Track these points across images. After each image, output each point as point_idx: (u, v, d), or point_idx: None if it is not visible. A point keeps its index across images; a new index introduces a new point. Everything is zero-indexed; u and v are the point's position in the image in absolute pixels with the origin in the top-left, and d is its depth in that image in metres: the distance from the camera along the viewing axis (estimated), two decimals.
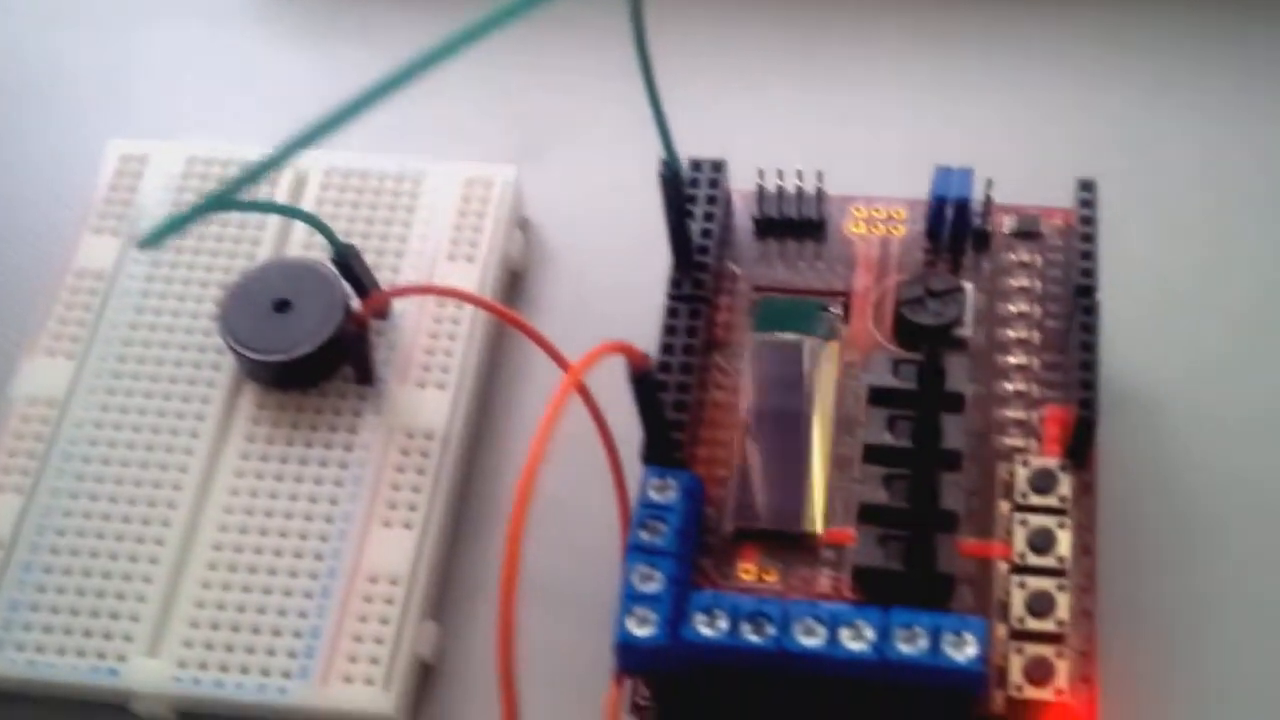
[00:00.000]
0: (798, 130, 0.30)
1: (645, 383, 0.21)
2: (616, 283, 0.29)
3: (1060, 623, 0.21)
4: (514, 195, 0.29)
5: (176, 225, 0.20)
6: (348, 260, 0.26)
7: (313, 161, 0.30)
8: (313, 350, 0.26)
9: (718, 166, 0.26)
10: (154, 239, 0.21)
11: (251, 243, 0.29)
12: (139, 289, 0.28)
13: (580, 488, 0.26)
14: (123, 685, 0.24)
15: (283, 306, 0.27)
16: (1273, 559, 0.25)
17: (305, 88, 0.32)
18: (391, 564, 0.25)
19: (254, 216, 0.29)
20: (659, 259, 0.28)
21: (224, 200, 0.19)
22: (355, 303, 0.27)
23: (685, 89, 0.31)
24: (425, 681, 0.25)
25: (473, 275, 0.28)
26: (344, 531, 0.25)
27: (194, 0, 0.34)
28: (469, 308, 0.28)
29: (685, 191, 0.23)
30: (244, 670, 0.24)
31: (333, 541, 0.25)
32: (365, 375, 0.27)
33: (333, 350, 0.26)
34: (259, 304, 0.27)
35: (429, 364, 0.27)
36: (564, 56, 0.32)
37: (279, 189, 0.29)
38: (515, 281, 0.30)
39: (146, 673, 0.24)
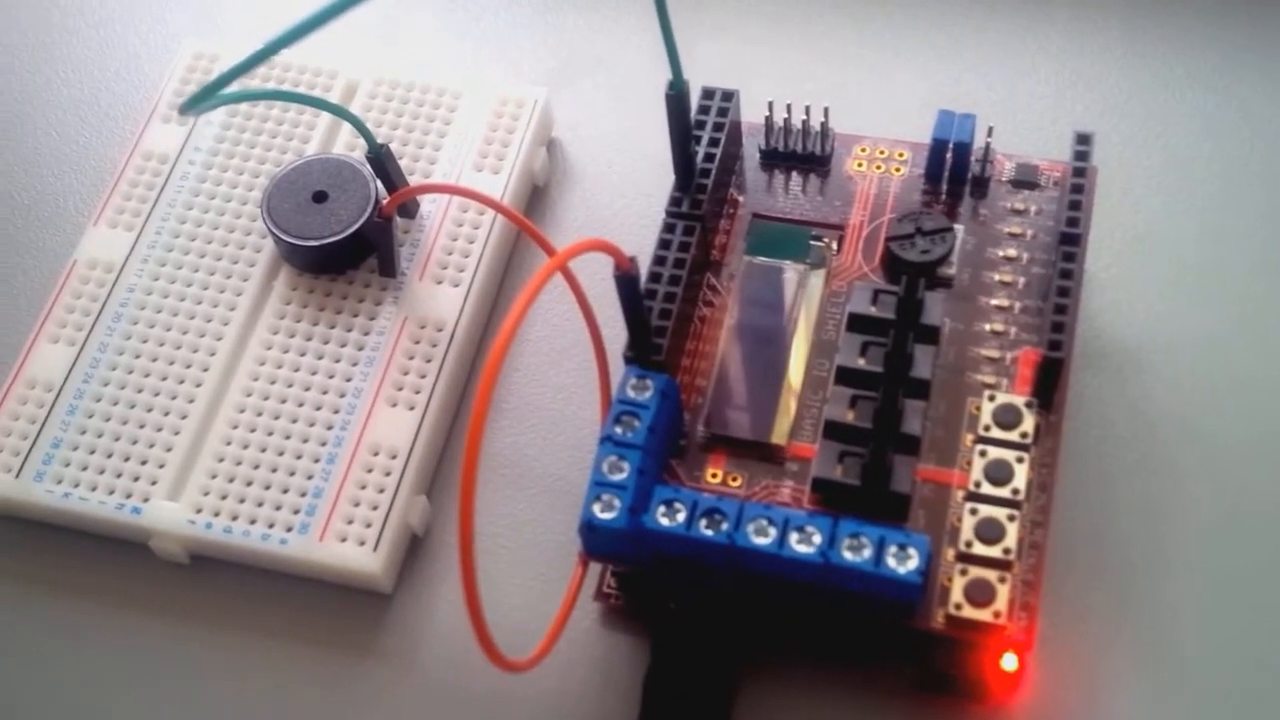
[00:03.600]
0: (812, 68, 0.29)
1: (627, 282, 0.20)
2: (630, 203, 0.28)
3: (1007, 551, 0.20)
4: (543, 115, 0.28)
5: (208, 93, 0.20)
6: (381, 159, 0.25)
7: (365, 70, 0.29)
8: (342, 238, 0.25)
9: (728, 96, 0.24)
10: (192, 104, 0.20)
11: (301, 140, 0.28)
12: (196, 174, 0.28)
13: (571, 384, 0.26)
14: (144, 523, 0.23)
15: (320, 198, 0.26)
16: (1228, 519, 0.23)
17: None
18: (392, 440, 0.24)
19: (305, 116, 0.28)
20: (670, 184, 0.27)
21: (242, 68, 0.18)
22: (380, 191, 0.26)
23: (707, 23, 0.30)
24: (413, 551, 0.24)
25: (495, 185, 0.27)
26: (353, 406, 0.24)
27: None
28: (489, 214, 0.27)
29: (689, 113, 0.22)
30: (251, 520, 0.23)
31: (342, 414, 0.24)
32: (388, 267, 0.26)
33: (360, 241, 0.26)
34: (299, 194, 0.26)
35: (446, 263, 0.26)
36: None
37: (332, 92, 0.29)
38: (537, 195, 0.29)
39: (166, 513, 0.23)
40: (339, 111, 0.25)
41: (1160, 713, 0.21)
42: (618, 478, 0.20)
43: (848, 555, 0.19)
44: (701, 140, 0.24)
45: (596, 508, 0.20)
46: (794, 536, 0.19)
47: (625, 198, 0.28)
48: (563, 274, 0.22)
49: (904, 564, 0.19)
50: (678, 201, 0.23)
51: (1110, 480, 0.23)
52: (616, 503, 0.20)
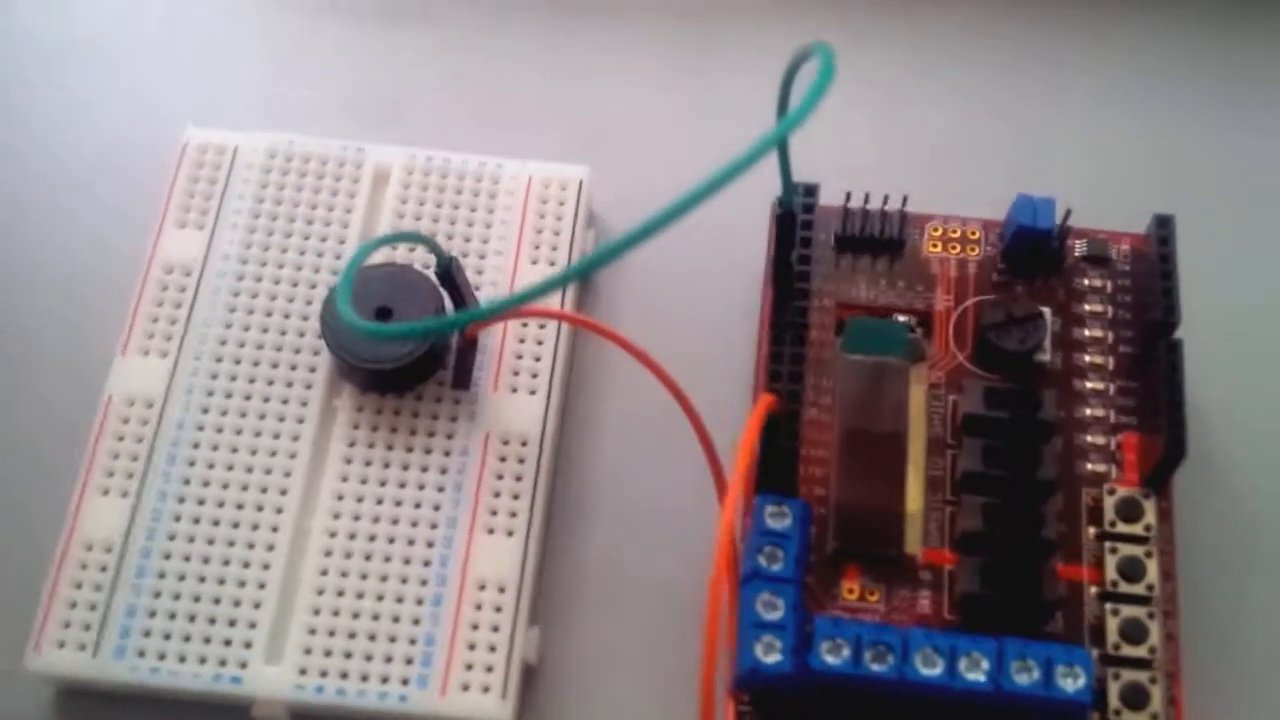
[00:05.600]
0: (873, 146, 0.28)
1: (775, 422, 0.19)
2: (679, 278, 0.27)
3: (1152, 650, 0.20)
4: (587, 195, 0.27)
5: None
6: (450, 273, 0.24)
7: (392, 157, 0.27)
8: (415, 360, 0.24)
9: (811, 190, 0.24)
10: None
11: (336, 240, 0.26)
12: (229, 286, 0.26)
13: (664, 486, 0.25)
14: (245, 692, 0.22)
15: (384, 314, 0.24)
16: None
17: (358, 74, 0.29)
18: (499, 571, 0.23)
19: (338, 214, 0.27)
20: (717, 254, 0.26)
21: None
22: (449, 306, 0.25)
23: (761, 103, 0.29)
24: (525, 682, 0.23)
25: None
26: (449, 538, 0.23)
27: None
28: None
29: (802, 221, 0.21)
30: (364, 678, 0.22)
31: (439, 548, 0.23)
32: (464, 381, 0.25)
33: (431, 358, 0.24)
34: (360, 310, 0.24)
35: (519, 369, 0.25)
36: (621, 57, 0.30)
37: (361, 184, 0.27)
38: (587, 282, 0.27)
39: (269, 680, 0.22)
40: (407, 238, 0.24)
41: None
42: (774, 617, 0.20)
43: (1019, 680, 0.19)
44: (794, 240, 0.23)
45: (759, 651, 0.20)
46: (963, 664, 0.19)
47: (677, 273, 0.27)
48: (668, 386, 0.22)
49: (1073, 683, 0.19)
50: (780, 310, 0.23)
51: (1216, 553, 0.24)
52: (778, 644, 0.20)
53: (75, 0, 0.30)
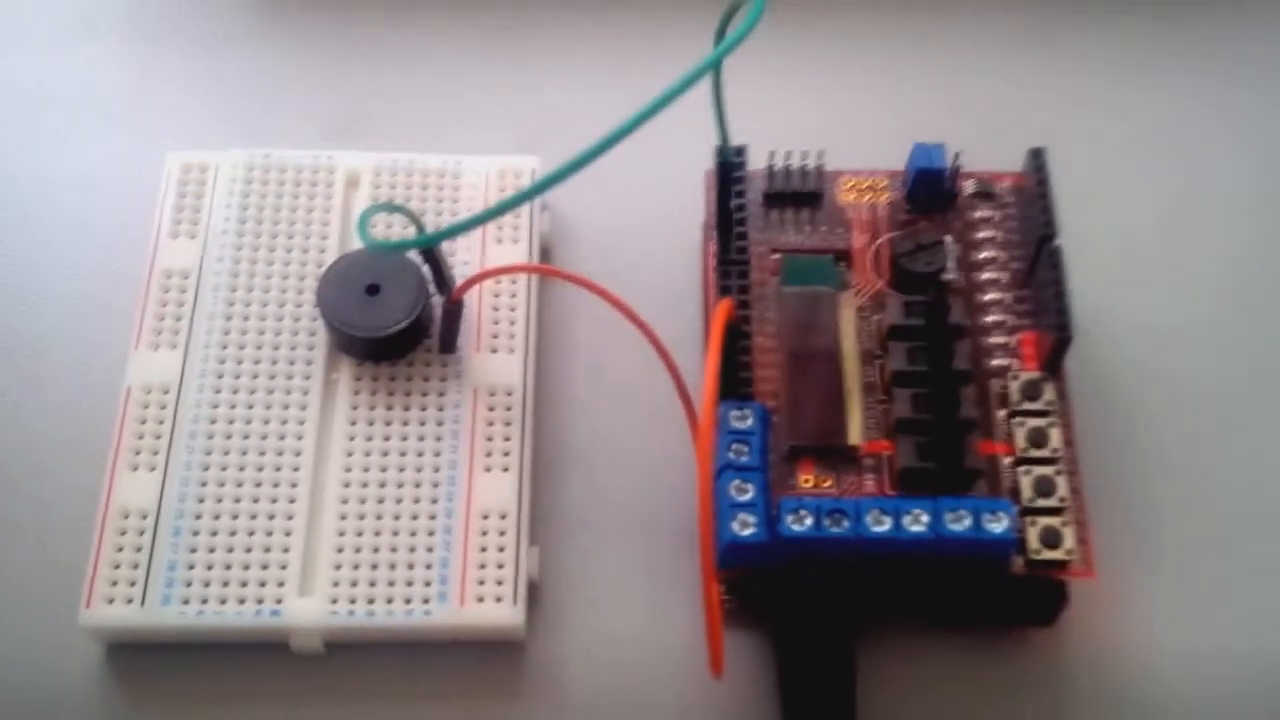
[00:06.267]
0: (787, 109, 0.32)
1: (733, 331, 0.23)
2: (630, 249, 0.31)
3: (1062, 500, 0.24)
4: None
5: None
6: (433, 249, 0.27)
7: (362, 162, 0.31)
8: (406, 326, 0.27)
9: (740, 151, 0.28)
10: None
11: (319, 235, 0.30)
12: (227, 284, 0.29)
13: (622, 429, 0.28)
14: (285, 623, 0.25)
15: (373, 290, 0.28)
16: (1199, 444, 0.28)
17: (320, 92, 0.33)
18: (498, 501, 0.26)
19: (318, 214, 0.30)
20: (661, 227, 0.30)
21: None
22: (431, 284, 0.28)
23: (703, 95, 0.33)
24: (529, 595, 0.26)
25: (520, 254, 0.30)
26: (452, 477, 0.26)
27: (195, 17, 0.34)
28: (521, 280, 0.29)
29: (734, 176, 0.25)
30: (389, 600, 0.25)
31: (444, 486, 0.26)
32: (450, 344, 0.28)
33: (419, 325, 0.28)
34: (351, 288, 0.28)
35: (496, 331, 0.29)
36: (566, 53, 0.34)
37: (335, 188, 0.30)
38: (544, 257, 0.31)
39: (305, 611, 0.25)
40: (395, 209, 0.27)
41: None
42: (746, 498, 0.23)
43: (953, 527, 0.23)
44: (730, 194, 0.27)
45: (736, 526, 0.23)
46: (906, 520, 0.23)
47: (623, 245, 0.31)
48: (634, 322, 0.25)
49: (998, 525, 0.23)
50: (725, 248, 0.26)
51: (1106, 424, 0.28)
52: (751, 519, 0.23)
53: (44, 50, 0.33)
